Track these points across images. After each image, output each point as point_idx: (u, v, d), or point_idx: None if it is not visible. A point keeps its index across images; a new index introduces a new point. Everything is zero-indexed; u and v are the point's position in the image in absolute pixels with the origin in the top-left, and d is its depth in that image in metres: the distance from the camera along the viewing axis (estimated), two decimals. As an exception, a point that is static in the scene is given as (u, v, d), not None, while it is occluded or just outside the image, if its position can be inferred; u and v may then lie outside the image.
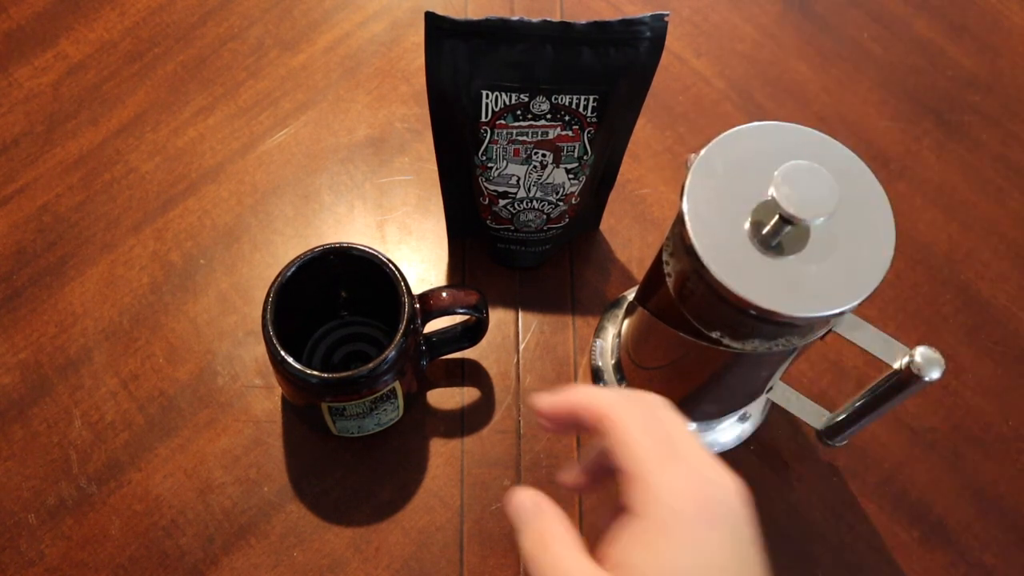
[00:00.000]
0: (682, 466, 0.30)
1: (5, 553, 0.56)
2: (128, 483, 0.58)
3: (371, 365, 0.51)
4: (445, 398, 0.62)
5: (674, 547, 0.28)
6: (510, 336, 0.64)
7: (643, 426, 0.31)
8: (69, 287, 0.64)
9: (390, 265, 0.54)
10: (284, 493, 0.58)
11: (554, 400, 0.35)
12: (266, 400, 0.61)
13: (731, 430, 0.61)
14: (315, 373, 0.51)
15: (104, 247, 0.66)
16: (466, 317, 0.58)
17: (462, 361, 0.63)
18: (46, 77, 0.73)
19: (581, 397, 0.34)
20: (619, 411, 0.32)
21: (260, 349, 0.62)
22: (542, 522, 0.34)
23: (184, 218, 0.67)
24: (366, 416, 0.55)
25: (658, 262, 0.48)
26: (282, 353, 0.51)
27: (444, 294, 0.55)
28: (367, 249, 0.54)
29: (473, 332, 0.59)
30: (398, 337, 0.52)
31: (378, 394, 0.53)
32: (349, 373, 0.51)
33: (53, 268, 0.65)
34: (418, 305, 0.54)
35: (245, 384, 0.61)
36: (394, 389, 0.54)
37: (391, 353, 0.51)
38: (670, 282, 0.47)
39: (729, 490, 0.30)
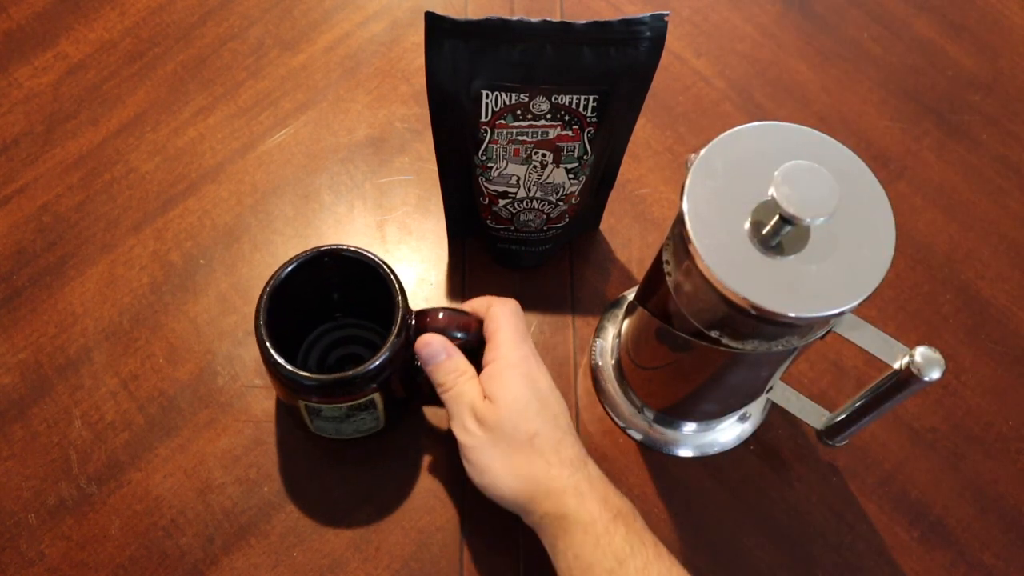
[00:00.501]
0: (527, 342, 0.53)
1: (5, 553, 0.56)
2: (128, 483, 0.58)
3: (349, 373, 0.50)
4: (445, 398, 0.62)
5: (511, 379, 0.50)
6: (510, 336, 0.64)
7: (513, 317, 0.53)
8: (69, 287, 0.64)
9: (384, 267, 0.53)
10: (284, 493, 0.58)
11: (461, 306, 0.56)
12: (266, 400, 0.61)
13: (731, 430, 0.61)
14: (292, 370, 0.50)
15: (104, 247, 0.66)
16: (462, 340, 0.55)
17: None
18: (46, 77, 0.73)
19: (475, 301, 0.55)
20: (500, 306, 0.53)
21: (260, 349, 0.62)
22: (454, 362, 0.52)
23: (184, 218, 0.67)
24: (343, 421, 0.54)
25: (658, 262, 0.48)
26: (267, 344, 0.50)
27: (441, 315, 0.54)
28: (360, 251, 0.54)
29: (469, 355, 0.53)
30: (384, 349, 0.51)
31: (355, 402, 0.52)
32: (325, 377, 0.50)
33: (53, 268, 0.65)
34: (413, 321, 0.53)
35: (245, 384, 0.61)
36: (373, 400, 0.53)
37: (373, 364, 0.50)
38: (670, 282, 0.47)
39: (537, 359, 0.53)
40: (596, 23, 0.50)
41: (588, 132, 0.54)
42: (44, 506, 0.57)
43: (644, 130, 0.72)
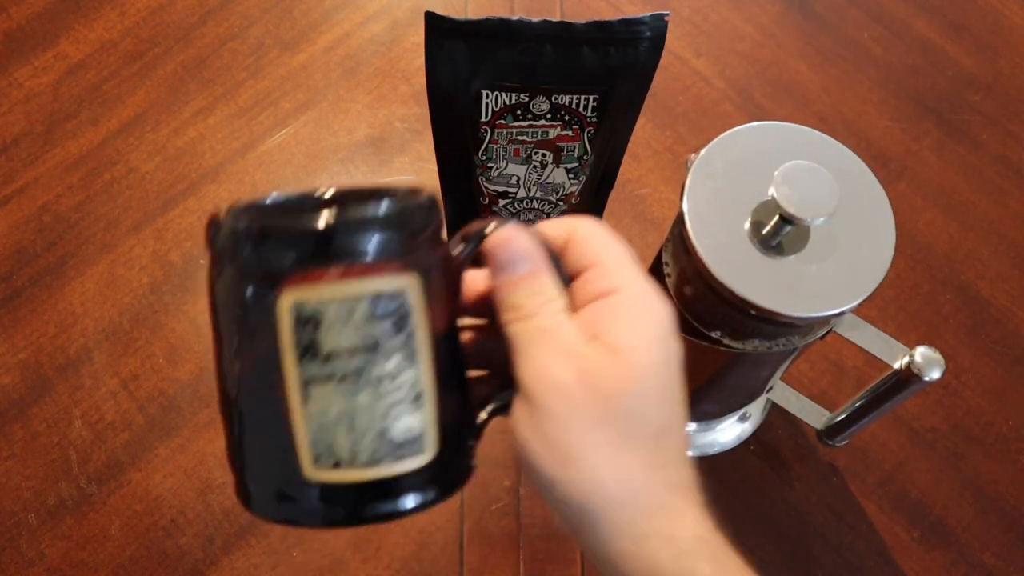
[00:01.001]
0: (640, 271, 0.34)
1: (5, 553, 0.55)
2: (128, 483, 0.58)
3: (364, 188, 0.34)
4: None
5: (645, 321, 0.32)
6: (510, 336, 0.64)
7: (618, 240, 0.35)
8: (69, 287, 0.64)
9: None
10: (284, 493, 0.58)
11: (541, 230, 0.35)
12: (266, 400, 0.61)
13: (731, 430, 0.61)
14: (251, 205, 0.32)
15: (104, 247, 0.66)
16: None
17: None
18: (46, 77, 0.73)
19: (546, 225, 0.36)
20: (593, 224, 0.35)
21: (260, 349, 0.62)
22: (542, 280, 0.33)
23: (184, 218, 0.67)
24: (356, 378, 0.30)
25: (658, 262, 0.48)
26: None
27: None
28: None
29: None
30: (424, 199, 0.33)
31: (373, 282, 0.30)
32: (310, 195, 0.34)
33: (53, 268, 0.65)
34: (482, 230, 0.34)
35: (245, 384, 0.61)
36: (405, 302, 0.31)
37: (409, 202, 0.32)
38: (670, 282, 0.47)
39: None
40: (596, 23, 0.50)
41: (588, 132, 0.54)
42: (44, 506, 0.57)
43: (644, 130, 0.72)
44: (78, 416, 0.60)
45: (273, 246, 0.30)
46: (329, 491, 0.31)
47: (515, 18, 0.49)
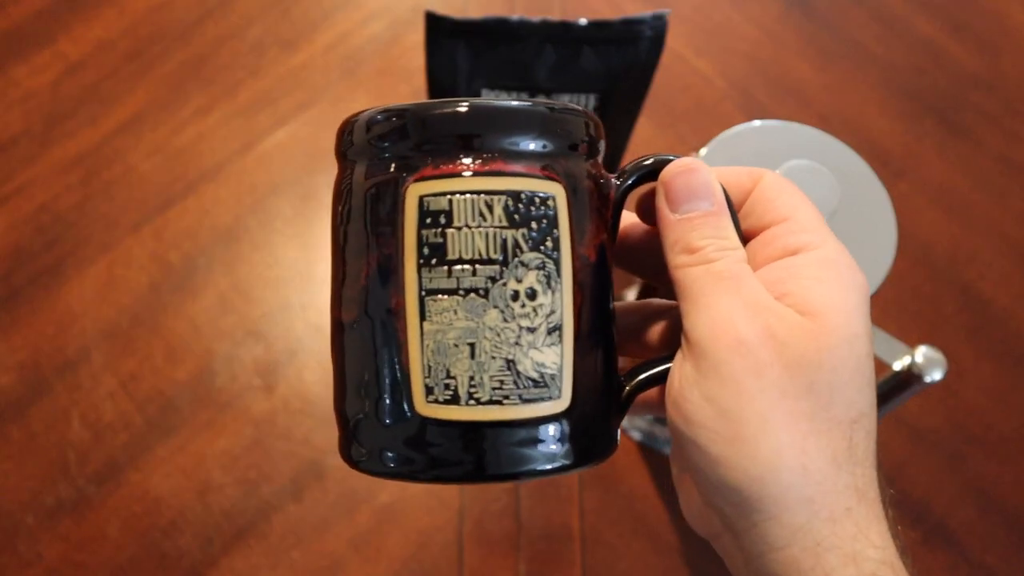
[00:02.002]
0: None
1: (3, 554, 0.55)
2: (127, 484, 0.58)
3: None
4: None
5: (847, 285, 0.27)
6: (510, 336, 0.64)
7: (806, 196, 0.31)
8: (67, 287, 0.64)
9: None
10: (283, 494, 0.58)
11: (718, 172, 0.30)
12: (265, 401, 0.61)
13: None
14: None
15: (103, 247, 0.66)
16: None
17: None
18: (44, 76, 0.73)
19: (724, 171, 0.31)
20: (779, 177, 0.31)
21: (259, 349, 0.62)
22: (724, 222, 0.29)
23: (183, 218, 0.67)
24: (484, 266, 0.27)
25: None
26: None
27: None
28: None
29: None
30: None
31: (513, 182, 0.27)
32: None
33: (51, 268, 0.65)
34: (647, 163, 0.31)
35: (244, 384, 0.61)
36: (547, 208, 0.28)
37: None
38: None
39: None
40: (596, 23, 0.50)
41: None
42: (42, 507, 0.57)
43: (645, 129, 0.72)
44: (76, 417, 0.60)
45: (406, 135, 0.28)
46: (441, 433, 0.27)
47: (515, 18, 0.49)
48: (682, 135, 0.73)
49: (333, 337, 0.29)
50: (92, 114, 0.71)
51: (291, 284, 0.65)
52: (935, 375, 0.43)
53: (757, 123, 0.45)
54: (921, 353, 0.43)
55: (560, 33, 0.50)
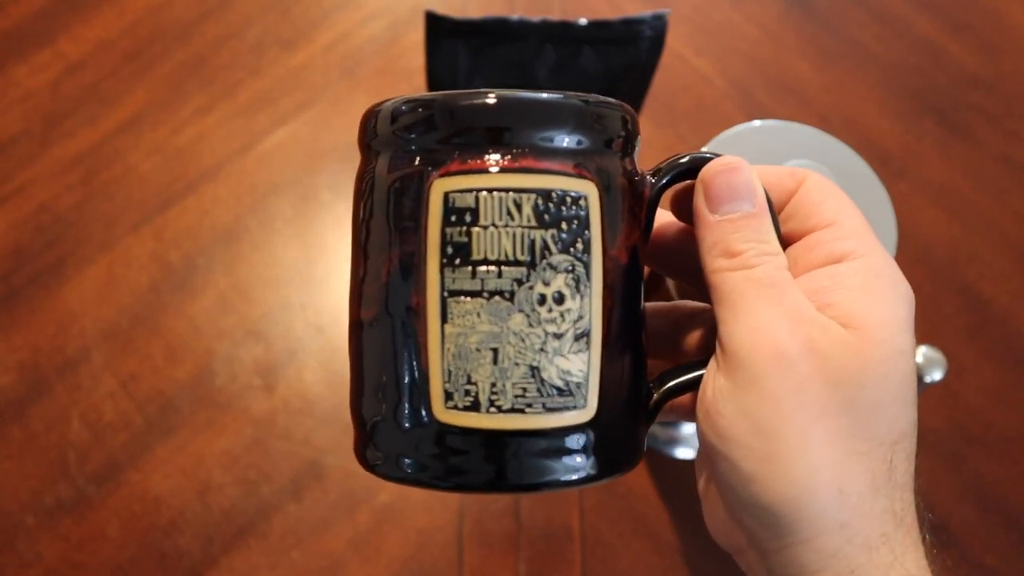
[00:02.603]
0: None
1: (2, 554, 0.55)
2: (126, 483, 0.58)
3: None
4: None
5: (895, 298, 0.26)
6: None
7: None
8: (67, 287, 0.64)
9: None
10: (283, 493, 0.58)
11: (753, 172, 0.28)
12: (265, 400, 0.61)
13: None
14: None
15: (102, 247, 0.66)
16: None
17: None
18: (44, 76, 0.73)
19: (764, 170, 0.30)
20: (823, 179, 0.29)
21: (259, 349, 0.62)
22: (766, 225, 0.27)
23: (183, 218, 0.67)
24: (510, 268, 0.26)
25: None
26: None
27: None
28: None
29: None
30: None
31: (542, 180, 0.26)
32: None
33: (51, 268, 0.65)
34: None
35: (244, 384, 0.61)
36: (577, 209, 0.26)
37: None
38: (670, 283, 0.46)
39: None
40: (596, 22, 0.50)
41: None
42: (42, 507, 0.57)
43: (645, 129, 0.72)
44: (76, 416, 0.60)
45: (433, 126, 0.26)
46: (460, 440, 0.26)
47: (515, 17, 0.49)
48: (682, 135, 0.73)
49: (351, 336, 0.29)
50: (92, 114, 0.71)
51: (291, 284, 0.65)
52: (935, 375, 0.43)
53: (757, 123, 0.45)
54: (921, 353, 0.43)
55: (560, 33, 0.50)
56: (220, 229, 0.67)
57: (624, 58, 0.50)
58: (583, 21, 0.49)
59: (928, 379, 0.43)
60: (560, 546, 0.57)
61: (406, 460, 0.27)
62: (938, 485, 0.60)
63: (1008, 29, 0.80)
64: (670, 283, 0.46)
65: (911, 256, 0.68)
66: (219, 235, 0.67)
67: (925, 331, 0.65)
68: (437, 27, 0.49)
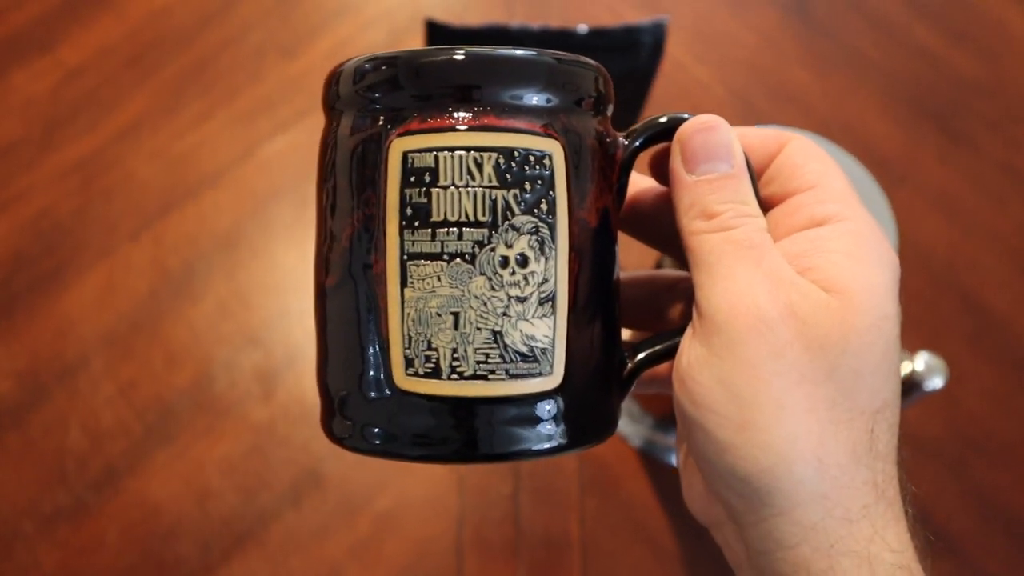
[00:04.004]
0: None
1: (1, 562, 0.55)
2: (125, 490, 0.58)
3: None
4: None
5: (880, 262, 0.25)
6: (510, 343, 0.64)
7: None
8: (67, 293, 0.64)
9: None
10: (282, 501, 0.58)
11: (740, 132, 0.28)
12: (264, 407, 0.61)
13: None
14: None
15: (102, 253, 0.66)
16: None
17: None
18: (44, 82, 0.73)
19: (747, 131, 0.28)
20: (806, 141, 0.28)
21: (258, 356, 0.62)
22: (744, 186, 0.26)
23: (183, 224, 0.67)
24: (470, 229, 0.25)
25: (657, 268, 0.48)
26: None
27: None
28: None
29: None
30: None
31: (505, 138, 0.25)
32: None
33: (51, 274, 0.65)
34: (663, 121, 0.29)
35: (243, 391, 0.61)
36: (541, 168, 0.25)
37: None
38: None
39: None
40: (596, 30, 0.50)
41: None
42: (40, 514, 0.57)
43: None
44: (75, 423, 0.60)
45: (396, 85, 0.26)
46: (424, 408, 0.25)
47: (514, 25, 0.49)
48: (682, 142, 0.73)
49: (316, 304, 0.28)
50: (92, 120, 0.71)
51: (291, 291, 0.65)
52: (936, 382, 0.42)
53: (757, 130, 0.45)
54: (922, 360, 0.43)
55: (560, 40, 0.50)
56: (220, 235, 0.67)
57: (624, 65, 0.50)
58: (583, 28, 0.50)
59: (929, 386, 0.42)
60: (559, 553, 0.57)
61: (373, 430, 0.26)
62: (939, 492, 0.60)
63: (1008, 36, 0.80)
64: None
65: (912, 263, 0.68)
66: (219, 241, 0.67)
67: (926, 337, 0.65)
68: (437, 35, 0.49)
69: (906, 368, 0.43)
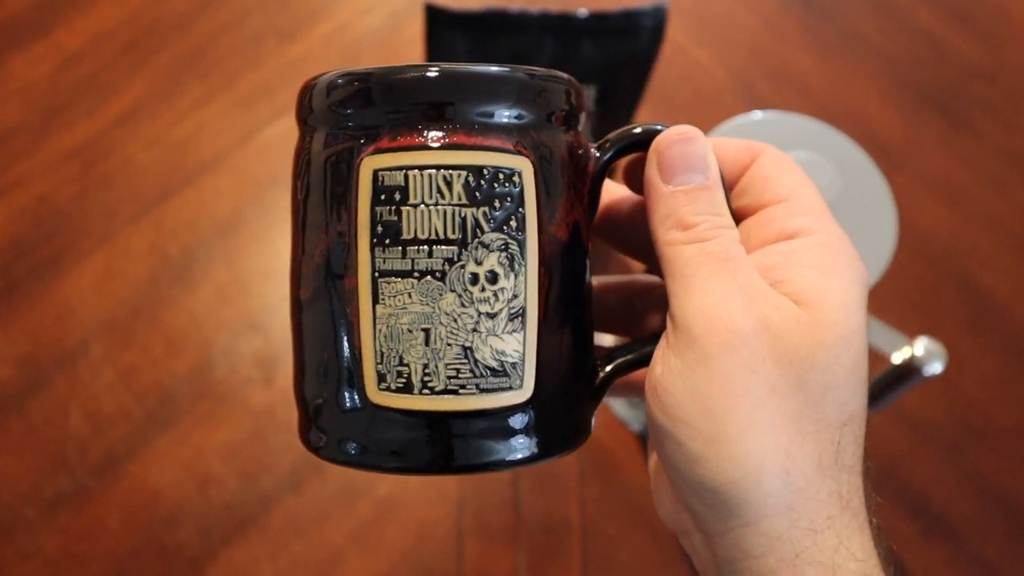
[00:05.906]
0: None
1: (2, 547, 0.55)
2: (126, 476, 0.58)
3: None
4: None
5: (850, 276, 0.26)
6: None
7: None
8: (66, 279, 0.64)
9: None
10: (283, 486, 0.58)
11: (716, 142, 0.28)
12: (264, 393, 0.61)
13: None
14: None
15: (101, 239, 0.66)
16: None
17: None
18: (42, 68, 0.73)
19: (720, 142, 0.29)
20: (778, 153, 0.29)
21: (258, 341, 0.62)
22: (719, 197, 0.26)
23: (182, 210, 0.67)
24: (440, 247, 0.25)
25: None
26: None
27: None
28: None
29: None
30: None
31: (475, 156, 0.25)
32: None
33: (50, 260, 0.65)
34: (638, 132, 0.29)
35: (244, 377, 0.61)
36: (511, 185, 0.26)
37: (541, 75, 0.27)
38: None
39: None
40: (596, 13, 0.49)
41: (588, 123, 0.54)
42: (42, 499, 0.57)
43: (645, 120, 0.72)
44: (75, 409, 0.60)
45: (369, 102, 0.26)
46: (396, 422, 0.26)
47: (515, 9, 0.49)
48: (682, 126, 0.72)
49: (292, 315, 0.29)
50: (90, 105, 0.71)
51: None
52: (935, 367, 0.43)
53: (757, 114, 0.45)
54: (921, 345, 0.43)
55: (560, 24, 0.49)
56: (219, 221, 0.67)
57: (624, 49, 0.50)
58: (583, 12, 0.49)
59: (928, 371, 0.43)
60: (559, 538, 0.57)
61: (349, 443, 0.27)
62: (938, 477, 0.60)
63: (1009, 20, 0.79)
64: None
65: (911, 248, 0.67)
66: (218, 227, 0.67)
67: (925, 322, 0.65)
68: (437, 19, 0.49)
69: (905, 353, 0.43)
